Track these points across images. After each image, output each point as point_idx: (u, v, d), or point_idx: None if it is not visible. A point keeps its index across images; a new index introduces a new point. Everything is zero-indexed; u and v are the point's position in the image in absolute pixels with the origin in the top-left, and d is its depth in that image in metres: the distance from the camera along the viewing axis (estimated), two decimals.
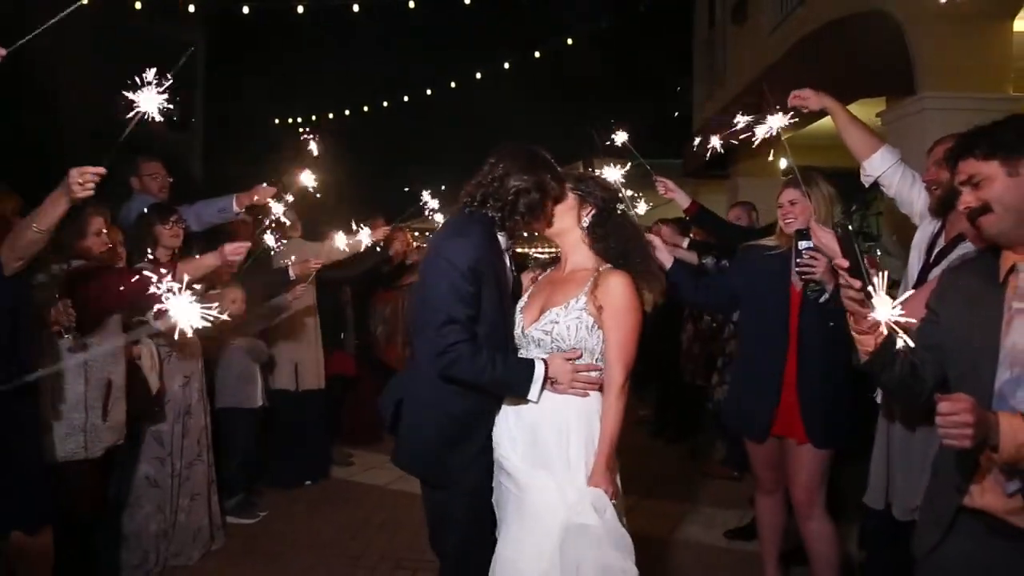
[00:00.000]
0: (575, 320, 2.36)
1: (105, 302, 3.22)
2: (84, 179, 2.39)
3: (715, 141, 3.02)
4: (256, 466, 4.79)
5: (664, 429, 6.49)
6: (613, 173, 3.09)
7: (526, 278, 2.69)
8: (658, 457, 5.90)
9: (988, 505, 1.68)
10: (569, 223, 2.50)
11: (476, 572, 2.38)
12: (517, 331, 2.49)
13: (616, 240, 2.47)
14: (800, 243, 2.77)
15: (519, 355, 2.47)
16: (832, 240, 2.27)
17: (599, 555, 2.19)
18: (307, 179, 3.96)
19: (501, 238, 2.46)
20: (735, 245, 3.65)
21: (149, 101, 2.08)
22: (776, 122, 2.57)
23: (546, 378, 2.33)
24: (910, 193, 2.94)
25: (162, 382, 3.65)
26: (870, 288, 1.63)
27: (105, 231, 3.22)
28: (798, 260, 2.80)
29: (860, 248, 1.71)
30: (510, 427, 2.42)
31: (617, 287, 2.35)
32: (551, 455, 2.33)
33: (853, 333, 1.85)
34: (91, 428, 3.17)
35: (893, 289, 2.63)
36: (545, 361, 2.35)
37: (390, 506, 4.82)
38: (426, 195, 4.48)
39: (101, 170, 2.42)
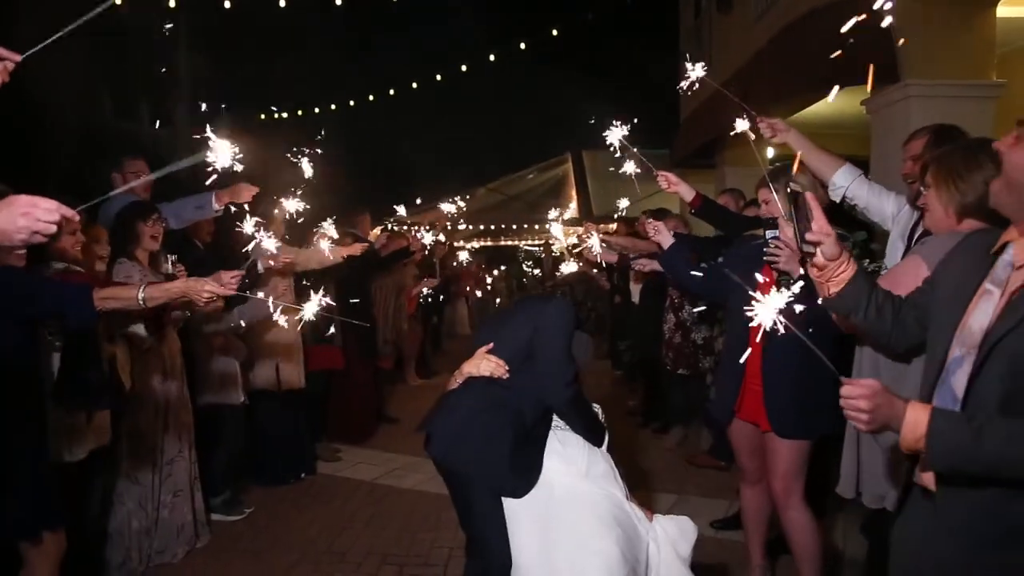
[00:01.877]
0: None
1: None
2: (210, 297, 2.53)
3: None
4: (241, 463, 4.75)
5: (651, 420, 6.49)
6: (629, 166, 3.46)
7: None
8: (645, 447, 5.91)
9: (925, 481, 1.70)
10: None
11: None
12: None
13: None
14: (767, 232, 2.88)
15: None
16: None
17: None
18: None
19: None
20: (740, 235, 3.69)
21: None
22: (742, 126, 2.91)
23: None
24: (879, 201, 3.12)
25: (133, 380, 3.58)
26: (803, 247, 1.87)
27: (79, 231, 3.13)
28: (764, 248, 2.86)
29: (797, 212, 1.85)
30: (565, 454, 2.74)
31: None
32: (611, 483, 2.69)
33: (813, 278, 2.02)
34: (74, 431, 3.12)
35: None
36: None
37: (376, 502, 4.81)
38: (401, 209, 4.58)
39: (229, 291, 2.63)
